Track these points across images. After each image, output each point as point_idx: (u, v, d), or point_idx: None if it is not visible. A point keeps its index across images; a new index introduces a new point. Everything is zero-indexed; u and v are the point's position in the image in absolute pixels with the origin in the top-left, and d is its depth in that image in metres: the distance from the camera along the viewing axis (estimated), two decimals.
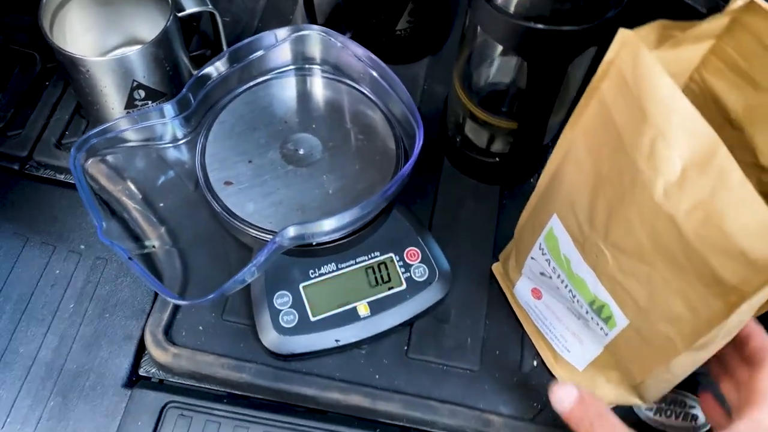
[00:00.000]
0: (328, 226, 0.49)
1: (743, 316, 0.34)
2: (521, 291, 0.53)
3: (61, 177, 0.62)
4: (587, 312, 0.45)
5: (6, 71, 0.65)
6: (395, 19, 0.63)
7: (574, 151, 0.40)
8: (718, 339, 0.36)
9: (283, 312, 0.52)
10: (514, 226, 0.52)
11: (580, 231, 0.41)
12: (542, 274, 0.48)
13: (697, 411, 0.52)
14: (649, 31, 0.37)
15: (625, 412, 0.51)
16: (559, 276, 0.46)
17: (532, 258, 0.49)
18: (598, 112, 0.37)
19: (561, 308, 0.49)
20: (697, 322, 0.36)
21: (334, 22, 0.67)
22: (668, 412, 0.52)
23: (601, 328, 0.44)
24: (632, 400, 0.48)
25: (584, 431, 0.39)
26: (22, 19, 0.69)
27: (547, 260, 0.47)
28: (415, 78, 0.67)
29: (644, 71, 0.32)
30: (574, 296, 0.45)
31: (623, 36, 0.34)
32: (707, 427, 0.51)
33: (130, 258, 0.47)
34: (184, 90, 0.54)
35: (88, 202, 0.49)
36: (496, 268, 0.57)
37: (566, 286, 0.46)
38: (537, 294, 0.51)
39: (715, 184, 0.31)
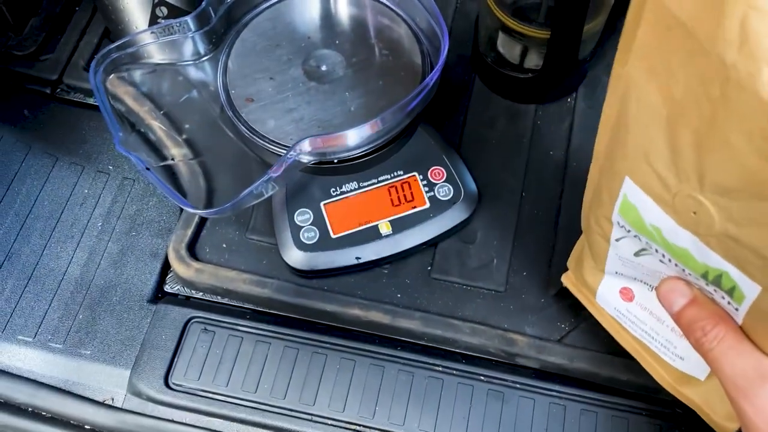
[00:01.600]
0: (345, 140, 0.48)
1: None
2: (607, 297, 0.43)
3: (91, 100, 0.62)
4: (705, 286, 0.35)
5: None
6: None
7: (634, 87, 0.32)
8: None
9: (304, 229, 0.51)
10: (549, 148, 0.48)
11: (665, 187, 0.32)
12: (636, 254, 0.38)
13: None
14: None
15: None
16: (656, 250, 0.36)
17: (616, 241, 0.39)
18: (654, 19, 0.29)
19: (656, 299, 0.39)
20: None
21: None
22: None
23: (728, 303, 0.34)
24: None
25: (694, 336, 0.34)
26: None
27: (633, 236, 0.37)
28: None
29: None
30: (683, 270, 0.35)
31: None
32: None
33: (147, 168, 0.47)
34: (204, 4, 0.53)
35: (106, 111, 0.49)
36: (568, 278, 0.47)
37: (669, 260, 0.36)
38: (627, 295, 0.42)
39: None
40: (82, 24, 0.64)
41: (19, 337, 0.52)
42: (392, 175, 0.53)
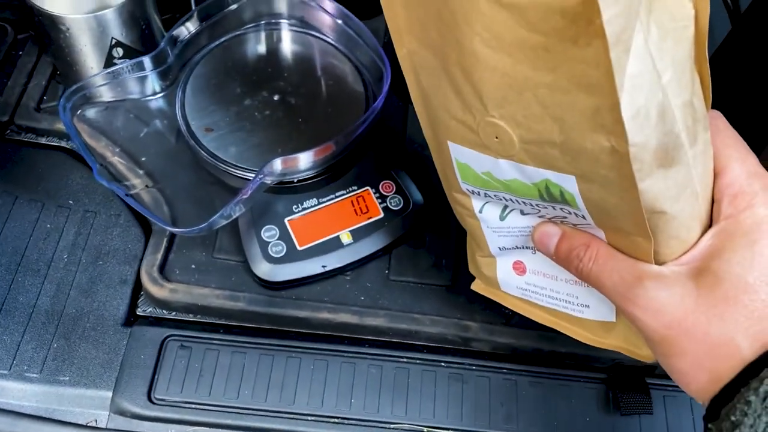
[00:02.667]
0: (310, 158, 0.53)
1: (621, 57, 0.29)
2: (507, 280, 0.47)
3: (43, 140, 0.64)
4: (554, 209, 0.38)
5: None
6: None
7: (415, 59, 0.38)
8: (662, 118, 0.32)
9: (271, 243, 0.56)
10: None
11: (469, 128, 0.37)
12: (502, 218, 0.43)
13: None
14: None
15: None
16: (503, 198, 0.41)
17: (480, 213, 0.43)
18: None
19: (546, 261, 0.43)
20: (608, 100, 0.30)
21: None
22: None
23: (576, 215, 0.38)
24: None
25: (574, 266, 0.38)
26: None
27: (485, 196, 0.42)
28: (376, 32, 0.71)
29: None
30: (533, 206, 0.40)
31: None
32: None
33: (128, 194, 0.50)
34: (162, 44, 0.58)
35: (81, 145, 0.52)
36: (476, 285, 0.51)
37: (519, 202, 0.40)
38: (520, 267, 0.45)
39: None
40: (28, 67, 0.66)
41: None
42: (348, 190, 0.59)
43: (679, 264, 0.36)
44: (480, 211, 0.43)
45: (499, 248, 0.45)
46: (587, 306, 0.44)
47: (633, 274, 0.36)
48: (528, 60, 0.31)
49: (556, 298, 0.45)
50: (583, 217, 0.37)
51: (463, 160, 0.40)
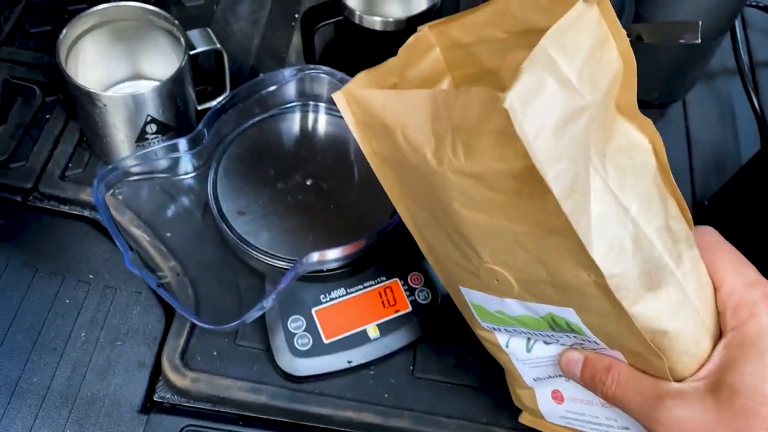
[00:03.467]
0: (345, 251, 0.52)
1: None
2: (549, 410, 0.47)
3: (66, 208, 0.63)
4: (568, 337, 0.40)
5: (7, 104, 0.66)
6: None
7: (414, 215, 0.42)
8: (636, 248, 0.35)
9: (297, 335, 0.54)
10: None
11: (472, 273, 0.40)
12: (528, 350, 0.44)
13: None
14: (356, 81, 0.41)
15: None
16: (522, 332, 0.43)
17: (507, 347, 0.45)
18: (385, 165, 0.41)
19: (579, 387, 0.43)
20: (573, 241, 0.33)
21: (327, 60, 0.71)
22: None
23: (588, 341, 0.39)
24: None
25: (599, 390, 0.39)
26: (20, 53, 0.70)
27: (506, 332, 0.44)
28: None
29: (364, 100, 0.38)
30: (550, 336, 0.41)
31: (338, 96, 0.39)
32: None
33: (159, 285, 0.49)
34: (200, 126, 0.57)
35: (114, 231, 0.51)
36: (524, 417, 0.50)
37: (536, 334, 0.42)
38: (558, 396, 0.45)
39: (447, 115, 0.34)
40: (55, 132, 0.65)
41: None
42: (376, 281, 0.58)
43: (697, 379, 0.36)
44: (507, 346, 0.45)
45: (534, 379, 0.46)
46: (627, 429, 0.43)
47: (654, 394, 0.37)
48: (500, 214, 0.35)
49: (597, 423, 0.44)
50: (596, 342, 0.39)
51: (476, 302, 0.43)
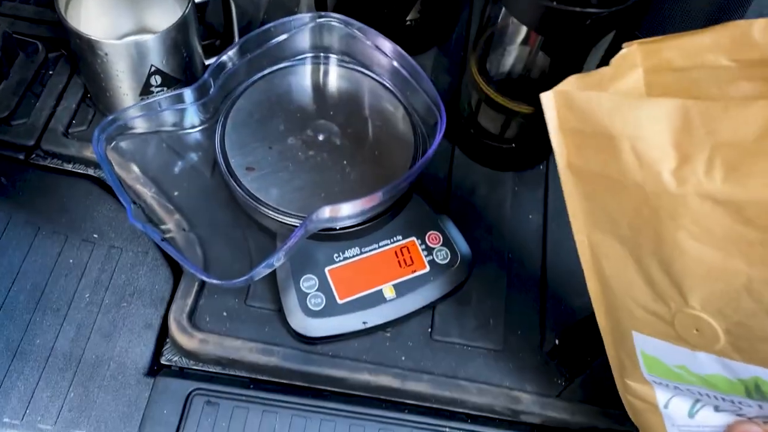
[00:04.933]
0: (357, 207, 0.49)
1: None
2: None
3: (69, 166, 0.61)
4: (761, 408, 0.36)
5: (9, 60, 0.63)
6: (407, 9, 0.64)
7: (597, 247, 0.37)
8: None
9: (310, 295, 0.52)
10: (528, 212, 0.51)
11: (662, 320, 0.35)
12: (691, 415, 0.39)
13: None
14: (567, 84, 0.37)
15: None
16: (696, 393, 0.38)
17: (665, 408, 0.40)
18: (582, 183, 0.36)
19: None
20: None
21: (342, 12, 0.67)
22: None
23: None
24: None
25: None
26: (22, 8, 0.68)
27: (674, 389, 0.39)
28: (424, 68, 0.68)
29: (584, 104, 0.33)
30: (734, 403, 0.36)
31: (547, 97, 0.35)
32: None
33: (163, 239, 0.46)
34: (206, 75, 0.54)
35: (115, 184, 0.48)
36: None
37: (717, 398, 0.37)
38: None
39: (710, 127, 0.29)
40: (59, 88, 0.63)
41: (5, 420, 0.48)
42: (392, 240, 0.55)
43: None
44: (665, 406, 0.40)
45: None
46: None
47: None
48: (742, 254, 0.30)
49: None
50: None
51: (651, 353, 0.38)
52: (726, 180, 0.29)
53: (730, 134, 0.29)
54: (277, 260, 0.49)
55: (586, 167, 0.35)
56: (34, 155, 0.61)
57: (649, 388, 0.40)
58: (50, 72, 0.64)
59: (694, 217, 0.30)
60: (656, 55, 0.37)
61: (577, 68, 0.50)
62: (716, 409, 0.38)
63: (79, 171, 0.61)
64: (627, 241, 0.35)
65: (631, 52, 0.37)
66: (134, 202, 0.53)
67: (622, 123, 0.31)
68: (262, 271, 0.48)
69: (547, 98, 0.35)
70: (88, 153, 0.60)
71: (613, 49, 0.54)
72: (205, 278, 0.47)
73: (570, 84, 0.36)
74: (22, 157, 0.60)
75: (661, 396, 0.39)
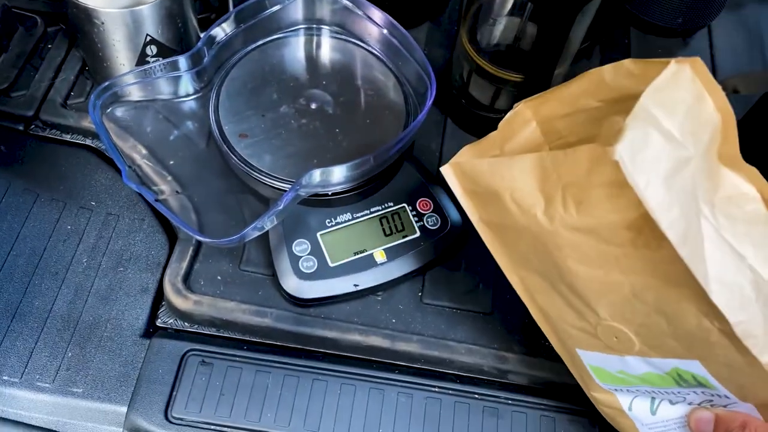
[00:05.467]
0: (348, 171, 0.50)
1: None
2: None
3: (68, 137, 0.62)
4: (696, 394, 0.40)
5: (8, 34, 0.64)
6: None
7: (526, 281, 0.43)
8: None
9: (302, 258, 0.53)
10: None
11: (589, 333, 0.41)
12: (653, 412, 0.43)
13: None
14: (461, 155, 0.43)
15: None
16: (646, 391, 0.42)
17: (630, 411, 0.44)
18: (494, 232, 0.42)
19: None
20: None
21: None
22: None
23: (718, 395, 0.39)
24: None
25: None
26: None
27: (628, 392, 0.43)
28: (418, 41, 0.69)
29: (472, 170, 0.40)
30: (676, 394, 0.41)
31: (446, 170, 0.41)
32: None
33: (157, 200, 0.47)
34: (199, 44, 0.55)
35: (110, 145, 0.50)
36: None
37: (662, 393, 0.41)
38: None
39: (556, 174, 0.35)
40: (57, 61, 0.64)
41: (4, 378, 0.50)
42: (383, 206, 0.56)
43: None
44: (630, 409, 0.44)
45: None
46: None
47: None
48: (615, 268, 0.35)
49: None
50: (727, 396, 0.38)
51: (595, 364, 0.42)
52: (579, 212, 0.35)
53: (571, 175, 0.35)
54: (270, 222, 0.50)
55: (490, 219, 0.41)
56: (33, 126, 0.62)
57: (610, 395, 0.44)
58: (49, 46, 0.65)
59: (571, 245, 0.36)
60: (543, 108, 0.42)
61: (566, 32, 0.50)
62: (671, 402, 0.42)
63: (77, 141, 0.62)
64: (542, 274, 0.40)
65: (521, 110, 0.43)
66: (129, 166, 0.55)
67: (501, 179, 0.38)
68: (252, 232, 0.49)
69: (446, 170, 0.41)
70: (86, 123, 0.61)
71: (600, 16, 0.55)
72: (197, 236, 0.48)
73: (464, 154, 0.42)
74: (21, 127, 0.61)
75: (623, 400, 0.44)
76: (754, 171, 0.38)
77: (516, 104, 0.43)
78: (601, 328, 0.39)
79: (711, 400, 0.39)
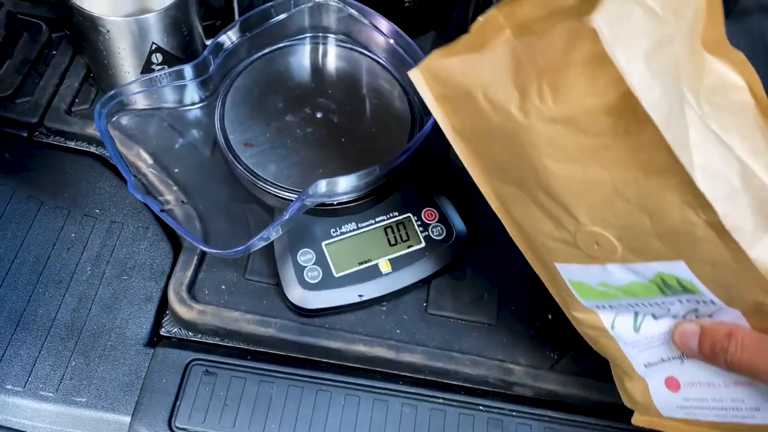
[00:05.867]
0: (354, 181, 0.50)
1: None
2: (665, 401, 0.42)
3: (72, 144, 0.62)
4: (681, 303, 0.37)
5: (13, 40, 0.64)
6: None
7: (500, 194, 0.41)
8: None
9: (307, 268, 0.53)
10: None
11: (569, 243, 0.38)
12: (636, 330, 0.41)
13: None
14: (430, 58, 0.39)
15: None
16: (629, 305, 0.40)
17: (613, 329, 0.42)
18: (467, 142, 0.40)
19: (698, 368, 0.40)
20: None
21: None
22: None
23: (704, 302, 0.37)
24: None
25: (722, 360, 0.36)
26: None
27: (611, 308, 0.41)
28: (423, 50, 0.69)
29: (442, 71, 0.37)
30: (660, 305, 0.39)
31: (414, 74, 0.38)
32: None
33: (162, 210, 0.47)
34: (205, 53, 0.55)
35: (115, 154, 0.50)
36: (637, 418, 0.46)
37: (645, 305, 0.39)
38: (673, 383, 0.42)
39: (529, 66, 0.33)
40: (62, 68, 0.64)
41: (8, 387, 0.50)
42: (388, 216, 0.56)
43: None
44: (612, 327, 0.42)
45: (645, 366, 0.42)
46: (757, 409, 0.39)
47: None
48: (595, 162, 0.33)
49: (722, 408, 0.40)
50: (713, 302, 0.36)
51: (575, 278, 0.40)
52: (555, 101, 0.32)
53: (546, 58, 0.32)
54: (275, 232, 0.50)
55: (465, 127, 0.38)
56: (37, 133, 0.62)
57: (592, 314, 0.42)
58: (54, 52, 0.65)
59: (547, 141, 0.34)
60: (517, 12, 0.38)
61: None
62: (654, 317, 0.40)
63: (81, 148, 0.62)
64: (518, 182, 0.38)
65: (492, 16, 0.37)
66: (134, 175, 0.54)
67: (474, 77, 0.35)
68: (258, 242, 0.49)
69: (414, 75, 0.38)
70: (91, 130, 0.61)
71: None
72: (202, 247, 0.48)
73: (433, 57, 0.38)
74: (25, 134, 0.61)
75: (605, 319, 0.41)
76: (741, 58, 0.35)
77: (488, 9, 0.40)
78: (581, 235, 0.37)
79: (696, 309, 0.38)
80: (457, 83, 0.36)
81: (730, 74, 0.35)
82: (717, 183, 0.31)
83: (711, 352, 0.37)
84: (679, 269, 0.35)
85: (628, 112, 0.30)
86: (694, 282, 0.35)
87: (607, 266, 0.37)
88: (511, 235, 0.43)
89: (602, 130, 0.32)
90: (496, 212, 0.42)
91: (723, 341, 0.36)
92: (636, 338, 0.41)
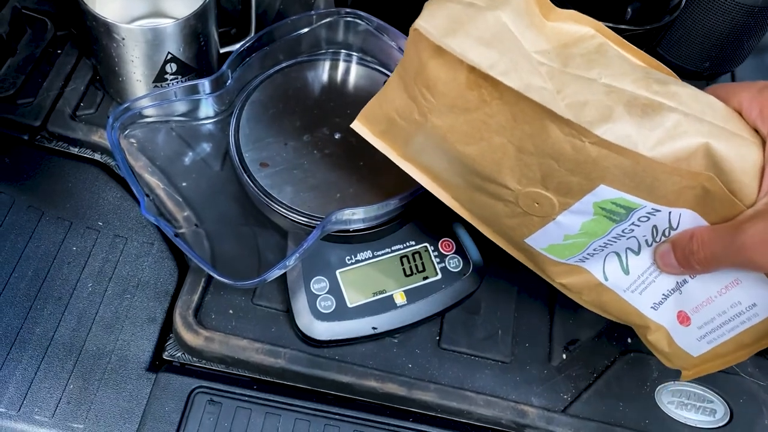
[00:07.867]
0: (376, 211, 0.48)
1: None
2: (688, 341, 0.43)
3: (75, 150, 0.59)
4: (638, 226, 0.39)
5: (16, 36, 0.61)
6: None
7: (452, 191, 0.45)
8: None
9: (320, 297, 0.51)
10: None
11: (521, 215, 0.41)
12: (626, 274, 0.43)
13: (716, 406, 0.53)
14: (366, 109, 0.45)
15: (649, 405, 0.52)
16: (601, 246, 0.41)
17: (606, 280, 0.43)
18: (414, 163, 0.45)
19: (691, 291, 0.41)
20: None
21: (361, 6, 0.66)
22: (689, 406, 0.53)
23: (652, 215, 0.38)
24: None
25: (693, 262, 0.38)
26: None
27: (591, 257, 0.42)
28: None
29: (371, 112, 0.44)
30: (624, 235, 0.40)
31: (357, 126, 0.45)
32: (725, 422, 0.53)
33: (176, 235, 0.45)
34: (224, 67, 0.53)
35: (129, 175, 0.47)
36: (685, 375, 0.45)
37: (613, 241, 0.40)
38: (683, 316, 0.43)
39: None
40: (67, 69, 0.61)
41: (1, 410, 0.47)
42: (405, 245, 0.54)
43: (765, 194, 0.36)
44: (606, 278, 0.43)
45: (653, 308, 0.43)
46: (754, 305, 0.40)
47: (732, 229, 0.36)
48: (490, 131, 0.38)
49: (729, 318, 0.41)
50: (658, 210, 0.38)
51: (544, 244, 0.43)
52: (433, 95, 0.38)
53: (412, 68, 0.39)
54: (292, 261, 0.48)
55: (404, 149, 0.44)
56: (39, 137, 0.59)
57: (580, 273, 0.44)
58: (58, 51, 0.62)
59: (449, 130, 0.39)
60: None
61: None
62: (635, 253, 0.42)
63: (85, 155, 0.59)
64: (455, 174, 0.42)
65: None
66: (147, 195, 0.52)
67: (389, 106, 0.42)
68: (276, 272, 0.47)
69: (356, 125, 0.45)
70: (96, 137, 0.58)
71: None
72: (218, 277, 0.45)
73: (365, 108, 0.44)
74: (26, 137, 0.58)
75: (595, 272, 0.43)
76: (574, 13, 0.40)
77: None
78: (522, 200, 0.40)
79: (655, 226, 0.39)
80: (383, 116, 0.43)
81: (576, 28, 0.40)
82: (588, 110, 0.35)
83: (684, 259, 0.39)
84: (605, 192, 0.37)
85: (482, 80, 0.36)
86: (625, 197, 0.37)
87: (557, 219, 0.40)
88: (489, 237, 0.46)
89: (476, 103, 0.37)
90: (466, 218, 0.45)
91: (688, 245, 0.38)
92: (629, 281, 0.43)
